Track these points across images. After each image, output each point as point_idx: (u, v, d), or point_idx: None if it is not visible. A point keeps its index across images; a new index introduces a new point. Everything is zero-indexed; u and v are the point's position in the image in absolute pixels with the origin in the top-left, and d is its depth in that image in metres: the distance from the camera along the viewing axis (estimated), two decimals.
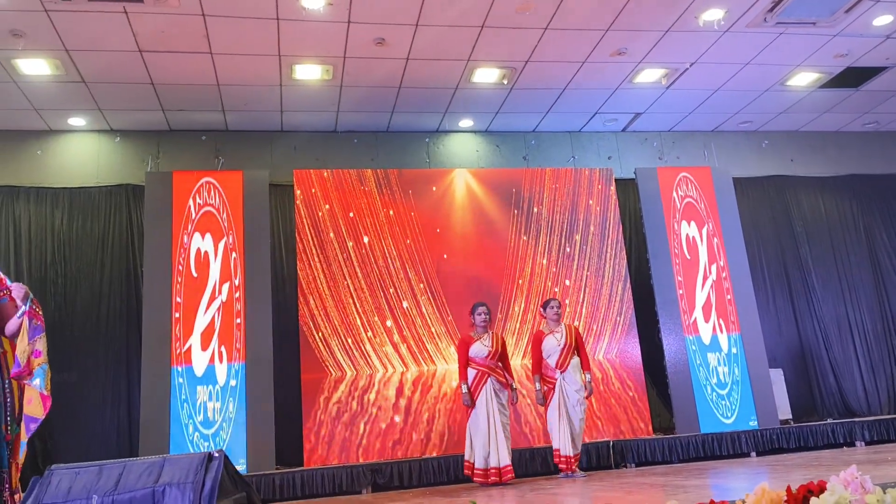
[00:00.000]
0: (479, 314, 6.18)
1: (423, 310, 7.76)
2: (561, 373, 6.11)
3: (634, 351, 8.10)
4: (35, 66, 6.85)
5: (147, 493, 2.42)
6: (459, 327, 7.55)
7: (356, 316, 7.59)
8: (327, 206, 7.81)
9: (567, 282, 8.18)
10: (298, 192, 7.81)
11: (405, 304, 7.71)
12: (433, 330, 7.73)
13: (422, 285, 7.81)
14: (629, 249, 8.69)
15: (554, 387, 6.10)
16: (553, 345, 6.18)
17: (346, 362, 7.46)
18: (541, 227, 8.28)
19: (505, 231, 8.19)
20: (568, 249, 8.27)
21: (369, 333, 7.58)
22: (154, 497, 2.41)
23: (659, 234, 8.39)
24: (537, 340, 6.31)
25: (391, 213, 7.94)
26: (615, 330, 8.13)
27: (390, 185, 8.04)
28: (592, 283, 8.22)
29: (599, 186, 8.57)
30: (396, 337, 7.64)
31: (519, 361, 7.68)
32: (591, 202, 8.49)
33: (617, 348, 8.08)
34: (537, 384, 6.19)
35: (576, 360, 6.19)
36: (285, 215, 8.28)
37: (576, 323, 7.92)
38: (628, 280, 8.32)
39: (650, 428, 7.89)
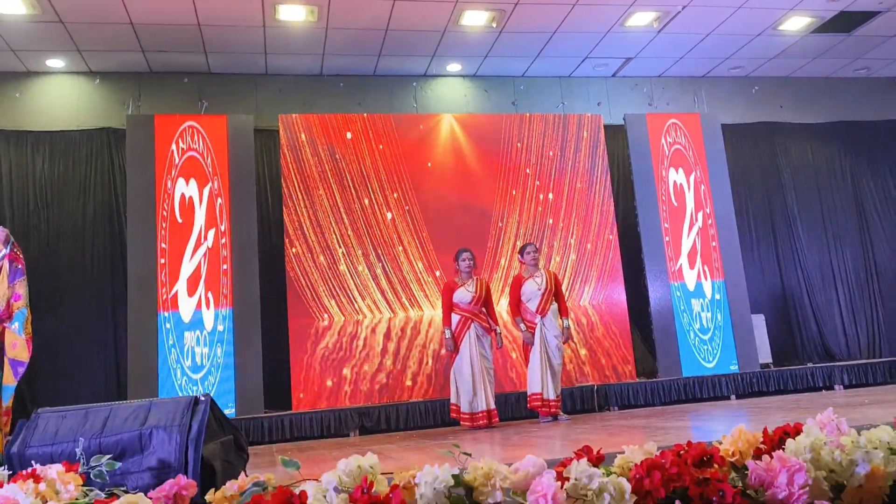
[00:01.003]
0: (464, 260, 6.18)
1: (410, 254, 7.76)
2: (541, 318, 6.12)
3: (620, 297, 8.17)
4: (10, 5, 6.63)
5: (134, 436, 2.43)
6: (446, 273, 7.56)
7: (343, 261, 7.58)
8: (312, 149, 7.72)
9: (555, 237, 8.18)
10: (284, 137, 7.71)
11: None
12: (420, 275, 7.75)
13: (409, 232, 7.79)
14: (616, 196, 8.68)
15: (534, 331, 6.13)
16: (533, 289, 6.18)
17: (334, 308, 7.48)
18: (528, 173, 8.24)
19: (492, 177, 8.14)
20: (553, 196, 8.25)
21: (356, 279, 7.59)
22: (141, 440, 2.42)
23: (647, 180, 8.38)
24: (516, 284, 6.30)
25: (379, 148, 7.87)
26: (601, 276, 8.18)
27: (376, 129, 7.95)
28: (579, 230, 8.23)
29: (588, 133, 8.50)
30: (384, 282, 7.65)
31: (506, 306, 7.73)
32: (579, 148, 8.44)
33: (603, 294, 8.14)
34: (521, 326, 6.22)
35: (554, 305, 6.22)
36: (271, 161, 8.18)
37: (552, 267, 7.96)
38: (615, 227, 8.34)
39: (634, 372, 8.01)
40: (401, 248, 7.76)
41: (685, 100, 9.40)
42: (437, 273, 7.74)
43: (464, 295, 6.10)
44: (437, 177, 8.03)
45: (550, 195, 8.25)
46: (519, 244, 7.79)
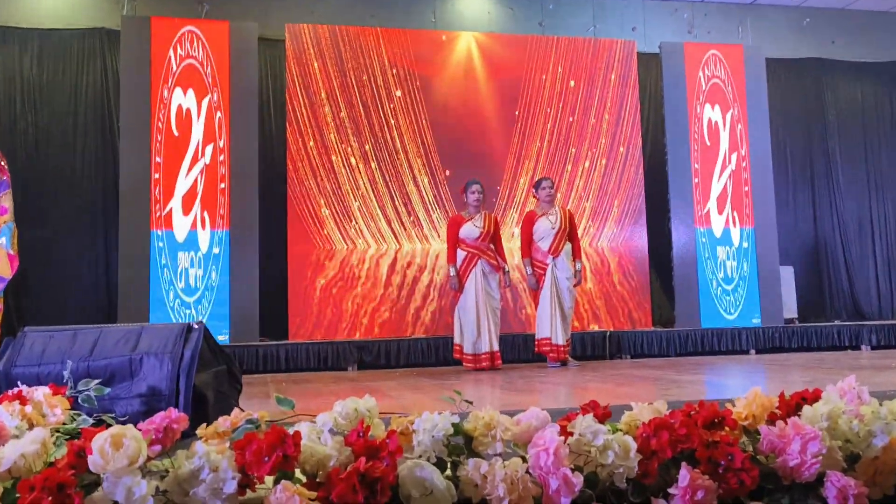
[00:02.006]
0: (473, 192, 6.10)
1: (419, 181, 7.74)
2: (553, 258, 6.08)
3: (641, 240, 8.16)
4: None
5: (124, 361, 2.47)
6: (457, 206, 7.55)
7: (348, 187, 7.57)
8: (320, 63, 7.62)
9: (576, 173, 8.12)
10: (290, 48, 7.59)
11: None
12: (429, 206, 7.74)
13: (419, 158, 7.75)
14: (645, 131, 8.57)
15: (545, 273, 6.10)
16: (547, 227, 6.13)
17: (336, 236, 7.52)
18: (552, 102, 8.12)
19: (512, 103, 8.03)
20: (577, 127, 8.15)
21: (361, 206, 7.60)
22: (132, 365, 2.47)
23: (679, 116, 8.25)
24: (528, 222, 6.23)
25: (392, 72, 7.76)
26: (622, 217, 8.15)
27: (391, 44, 7.82)
28: (603, 166, 8.17)
29: (619, 61, 8.33)
30: (390, 211, 7.66)
31: (517, 245, 7.75)
32: (608, 77, 8.29)
33: (623, 236, 8.13)
34: (528, 269, 6.19)
35: (568, 246, 6.17)
36: (275, 73, 8.07)
37: (570, 206, 7.93)
38: (641, 164, 8.27)
39: (650, 320, 8.07)
40: (410, 175, 7.73)
41: (728, 29, 9.16)
42: (446, 181, 7.72)
43: (470, 230, 6.06)
44: (452, 99, 7.93)
45: (574, 127, 8.15)
46: (536, 178, 7.76)
